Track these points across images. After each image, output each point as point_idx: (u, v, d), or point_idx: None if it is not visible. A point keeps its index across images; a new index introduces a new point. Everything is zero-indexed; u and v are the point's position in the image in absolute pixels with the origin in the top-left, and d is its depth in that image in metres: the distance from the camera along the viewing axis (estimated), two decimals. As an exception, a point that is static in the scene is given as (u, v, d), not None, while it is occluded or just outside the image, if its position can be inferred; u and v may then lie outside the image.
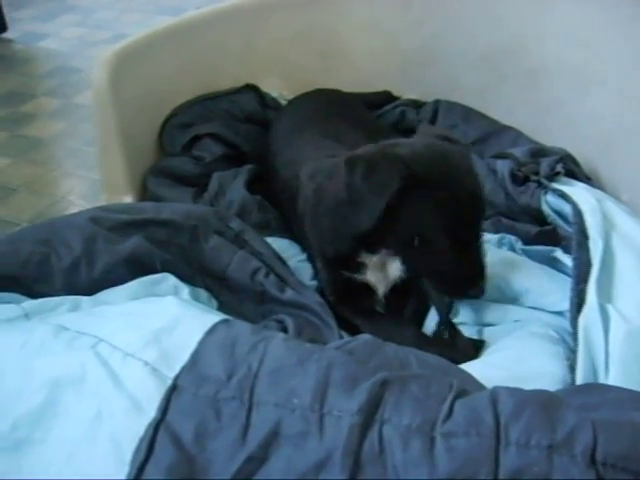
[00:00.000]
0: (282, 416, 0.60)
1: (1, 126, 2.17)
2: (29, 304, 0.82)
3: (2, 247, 0.91)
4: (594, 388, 0.76)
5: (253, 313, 0.98)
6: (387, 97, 1.65)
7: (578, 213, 1.05)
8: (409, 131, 1.48)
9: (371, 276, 1.04)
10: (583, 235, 1.01)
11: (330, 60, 1.63)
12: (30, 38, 2.81)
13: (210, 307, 0.94)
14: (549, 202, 1.15)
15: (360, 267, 1.03)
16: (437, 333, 1.01)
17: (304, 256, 1.14)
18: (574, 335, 0.90)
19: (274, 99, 1.55)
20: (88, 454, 0.59)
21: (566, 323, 0.95)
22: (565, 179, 1.20)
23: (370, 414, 0.60)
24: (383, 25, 1.62)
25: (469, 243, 0.93)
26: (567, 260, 1.05)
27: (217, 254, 1.00)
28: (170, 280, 0.94)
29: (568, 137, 1.37)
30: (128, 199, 1.28)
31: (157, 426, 0.60)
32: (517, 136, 1.48)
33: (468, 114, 1.56)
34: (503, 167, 1.24)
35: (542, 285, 1.03)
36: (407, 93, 1.65)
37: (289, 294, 0.98)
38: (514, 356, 0.90)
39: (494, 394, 0.63)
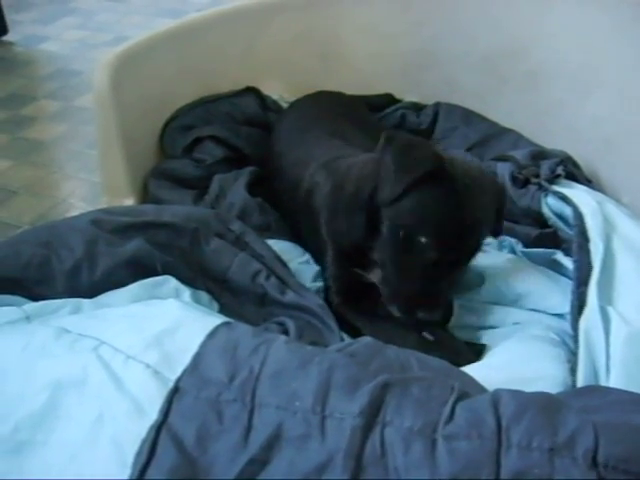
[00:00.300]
0: (284, 419, 0.60)
1: (2, 128, 2.17)
2: (30, 307, 0.82)
3: (3, 250, 0.90)
4: (595, 390, 0.76)
5: (254, 315, 0.98)
6: (389, 99, 1.66)
7: (579, 215, 1.05)
8: (410, 134, 1.48)
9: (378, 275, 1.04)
10: (584, 237, 1.01)
11: (330, 63, 1.63)
12: (31, 41, 2.81)
13: (211, 309, 0.94)
14: (549, 205, 1.16)
15: (370, 265, 1.03)
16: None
17: (305, 258, 1.14)
18: (575, 337, 0.90)
19: (275, 102, 1.56)
20: (90, 456, 0.59)
21: (567, 325, 0.95)
22: (565, 181, 1.20)
23: (372, 416, 0.60)
24: (383, 28, 1.62)
25: (447, 264, 0.93)
26: (568, 263, 1.05)
27: (218, 256, 1.00)
28: (171, 283, 0.94)
29: (568, 139, 1.37)
30: (129, 202, 1.27)
31: (159, 428, 0.60)
32: (517, 139, 1.49)
33: (468, 117, 1.57)
34: (503, 170, 1.25)
35: (543, 288, 1.03)
36: (407, 95, 1.65)
37: (290, 296, 0.98)
38: (515, 359, 0.90)
39: (495, 396, 0.63)
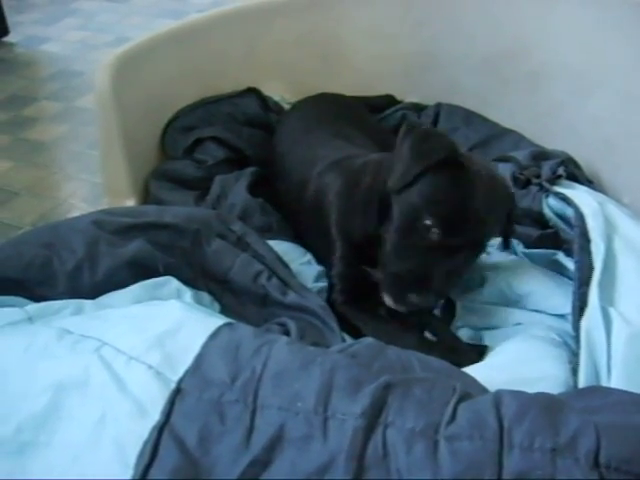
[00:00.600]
0: (286, 419, 0.60)
1: (3, 129, 2.17)
2: (32, 307, 0.82)
3: (5, 251, 0.91)
4: (596, 391, 0.76)
5: (255, 316, 0.98)
6: (390, 101, 1.66)
7: (580, 216, 1.05)
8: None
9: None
10: (585, 238, 1.01)
11: (332, 64, 1.64)
12: (32, 42, 2.82)
13: (212, 310, 0.94)
14: (551, 205, 1.16)
15: (379, 262, 1.03)
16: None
17: (306, 259, 1.14)
18: (576, 338, 0.90)
19: (276, 103, 1.56)
20: (92, 457, 0.59)
21: (568, 326, 0.95)
22: (567, 182, 1.20)
23: (374, 417, 0.60)
24: (384, 29, 1.62)
25: (447, 249, 0.94)
26: (569, 263, 1.05)
27: (219, 257, 1.00)
28: (173, 283, 0.94)
29: (569, 140, 1.38)
30: (130, 202, 1.28)
31: (161, 429, 0.60)
32: (518, 139, 1.49)
33: (469, 117, 1.57)
34: (504, 170, 1.24)
35: (544, 288, 1.03)
36: (409, 96, 1.65)
37: (291, 297, 0.98)
38: (516, 359, 0.90)
39: (497, 397, 0.63)
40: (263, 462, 0.58)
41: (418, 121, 1.03)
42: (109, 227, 0.96)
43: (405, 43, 1.62)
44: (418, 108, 1.63)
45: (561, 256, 1.09)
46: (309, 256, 1.16)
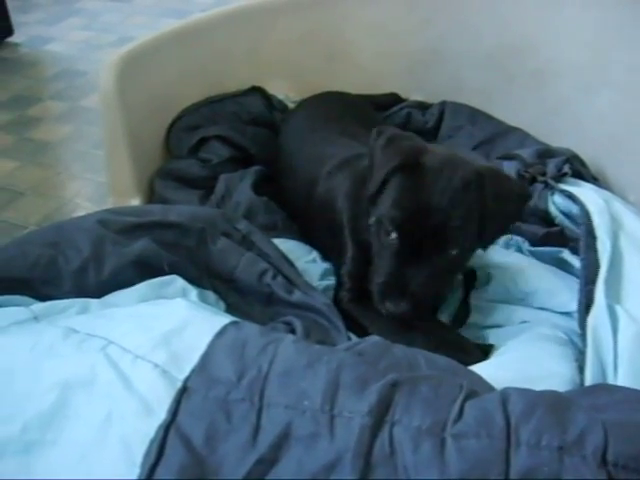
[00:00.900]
0: (292, 418, 0.60)
1: (8, 129, 2.17)
2: (38, 307, 0.82)
3: (11, 250, 0.91)
4: (603, 389, 0.76)
5: (261, 315, 0.98)
6: (395, 99, 1.66)
7: (585, 214, 1.05)
8: (415, 133, 1.48)
9: None
10: (591, 236, 1.01)
11: (336, 62, 1.64)
12: (36, 42, 2.82)
13: (218, 309, 0.95)
14: (556, 203, 1.15)
15: None
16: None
17: (312, 257, 1.14)
18: (582, 336, 0.90)
19: (280, 101, 1.56)
20: (99, 456, 0.59)
21: (574, 324, 0.95)
22: (572, 180, 1.20)
23: (380, 415, 0.60)
24: (389, 26, 1.62)
25: (413, 254, 0.93)
26: (575, 261, 1.05)
27: (224, 256, 1.00)
28: (178, 282, 0.94)
29: (575, 138, 1.37)
30: (135, 202, 1.28)
31: (167, 428, 0.60)
32: (524, 137, 1.48)
33: (474, 115, 1.57)
34: (510, 168, 1.24)
35: (550, 286, 1.03)
36: (413, 94, 1.65)
37: (297, 296, 0.98)
38: (523, 357, 0.90)
39: (504, 395, 0.63)
40: (270, 460, 0.58)
41: (385, 127, 1.02)
42: (114, 226, 0.96)
43: (410, 41, 1.62)
44: (423, 106, 1.62)
45: (567, 254, 1.08)
46: (314, 254, 1.16)
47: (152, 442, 0.59)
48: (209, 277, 0.99)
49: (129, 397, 0.62)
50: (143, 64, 1.35)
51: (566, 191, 1.14)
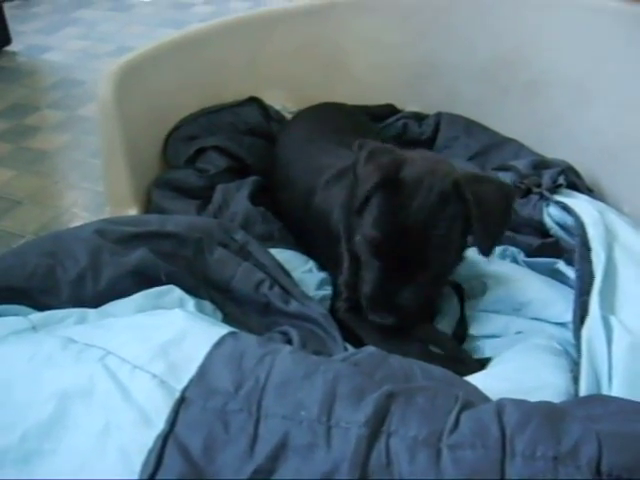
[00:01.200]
0: (290, 428, 0.60)
1: (5, 138, 2.18)
2: (36, 316, 0.82)
3: (8, 260, 0.91)
4: (597, 399, 0.76)
5: (257, 325, 0.98)
6: (390, 110, 1.67)
7: (580, 225, 1.06)
8: (411, 143, 1.49)
9: None
10: (585, 247, 1.02)
11: (332, 73, 1.65)
12: (34, 51, 2.83)
13: (215, 319, 0.95)
14: (551, 214, 1.16)
15: None
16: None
17: (308, 267, 1.15)
18: (577, 346, 0.90)
19: (277, 112, 1.56)
20: (98, 466, 0.60)
21: (569, 335, 0.95)
22: (567, 191, 1.21)
23: (377, 426, 0.60)
24: (384, 39, 1.63)
25: (396, 268, 0.94)
26: (570, 272, 1.05)
27: (221, 266, 1.01)
28: (175, 292, 0.94)
29: (569, 149, 1.38)
30: (132, 211, 1.28)
31: (166, 438, 0.60)
32: (518, 148, 1.50)
33: (470, 126, 1.58)
34: (505, 179, 1.25)
35: (545, 296, 1.03)
36: (409, 105, 1.66)
37: (293, 306, 0.98)
38: (517, 368, 0.90)
39: (499, 406, 0.63)
40: (267, 471, 0.59)
41: (365, 141, 1.02)
42: (112, 236, 0.97)
43: (405, 53, 1.63)
44: (419, 117, 1.64)
45: (562, 265, 1.09)
46: (311, 264, 1.16)
47: (150, 452, 0.59)
48: (206, 287, 0.99)
49: (127, 407, 0.63)
50: (141, 74, 1.36)
51: (561, 202, 1.15)
